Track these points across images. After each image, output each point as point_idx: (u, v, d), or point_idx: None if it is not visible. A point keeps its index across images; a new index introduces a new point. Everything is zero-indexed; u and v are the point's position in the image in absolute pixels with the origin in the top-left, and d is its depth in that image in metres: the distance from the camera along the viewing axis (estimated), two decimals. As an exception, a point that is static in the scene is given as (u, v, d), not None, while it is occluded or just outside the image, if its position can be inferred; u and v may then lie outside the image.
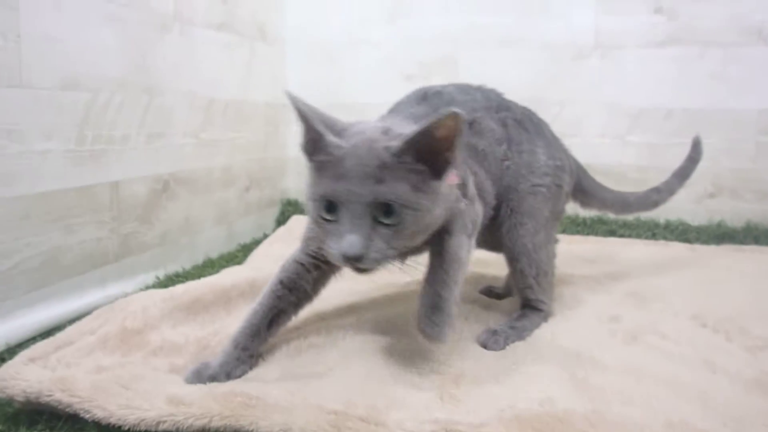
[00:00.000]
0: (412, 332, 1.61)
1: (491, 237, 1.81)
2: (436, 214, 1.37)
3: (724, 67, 2.93)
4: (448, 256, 1.50)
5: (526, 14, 3.13)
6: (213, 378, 1.43)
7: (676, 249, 2.68)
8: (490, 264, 2.24)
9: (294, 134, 2.58)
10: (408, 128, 1.35)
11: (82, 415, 1.26)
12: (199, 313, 1.81)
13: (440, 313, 1.44)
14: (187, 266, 2.52)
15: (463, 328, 1.73)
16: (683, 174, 2.21)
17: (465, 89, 1.83)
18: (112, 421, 1.23)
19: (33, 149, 1.81)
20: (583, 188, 2.05)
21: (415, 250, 1.55)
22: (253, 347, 1.52)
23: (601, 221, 3.07)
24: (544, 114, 1.95)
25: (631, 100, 3.06)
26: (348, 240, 1.26)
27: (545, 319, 1.81)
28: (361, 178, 1.27)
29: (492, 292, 2.08)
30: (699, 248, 2.69)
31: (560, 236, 1.97)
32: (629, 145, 3.08)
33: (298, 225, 1.70)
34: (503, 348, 1.62)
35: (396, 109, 1.74)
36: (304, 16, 3.42)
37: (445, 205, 1.41)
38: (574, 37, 3.08)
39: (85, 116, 1.99)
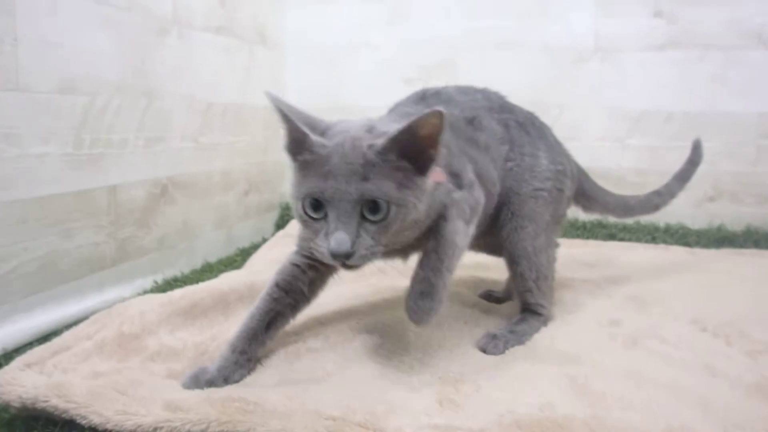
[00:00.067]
0: (411, 337, 1.62)
1: (491, 240, 1.81)
2: (421, 210, 1.38)
3: (724, 70, 2.93)
4: (443, 241, 1.50)
5: (525, 18, 3.14)
6: (211, 383, 1.42)
7: (676, 253, 2.68)
8: (490, 268, 2.24)
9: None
10: (392, 126, 1.36)
11: (78, 421, 1.25)
12: (198, 317, 1.80)
13: (428, 299, 1.45)
14: (186, 271, 2.51)
15: (463, 333, 1.73)
16: (684, 177, 2.21)
17: (466, 90, 1.84)
18: (109, 427, 1.22)
19: (30, 153, 1.81)
20: (585, 192, 2.05)
21: (411, 248, 1.57)
22: (251, 351, 1.52)
23: (600, 225, 3.07)
24: (543, 117, 1.95)
25: (631, 104, 3.06)
26: (336, 237, 1.27)
27: (545, 323, 1.80)
28: (347, 176, 1.29)
29: (491, 297, 2.07)
30: (699, 252, 2.69)
31: (560, 240, 1.97)
32: (629, 149, 3.08)
33: (297, 229, 1.70)
34: (503, 352, 1.62)
35: (394, 109, 1.75)
36: (303, 19, 3.42)
37: (431, 201, 1.42)
38: (574, 40, 3.08)
39: (82, 120, 1.98)
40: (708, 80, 2.95)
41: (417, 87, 1.84)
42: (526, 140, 1.83)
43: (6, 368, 1.41)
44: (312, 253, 1.50)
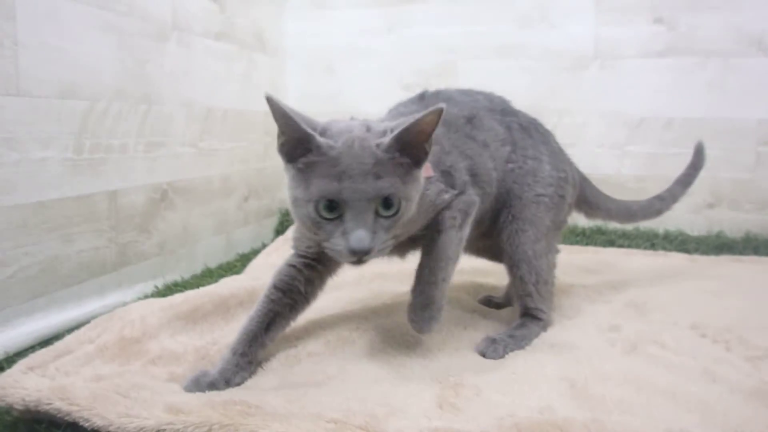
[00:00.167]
0: (411, 341, 1.62)
1: (491, 242, 1.82)
2: (416, 201, 1.42)
3: (723, 77, 2.93)
4: (436, 254, 1.57)
5: (525, 24, 3.14)
6: (212, 385, 1.43)
7: (676, 259, 2.68)
8: (490, 273, 2.24)
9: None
10: (388, 124, 1.40)
11: (81, 424, 1.25)
12: (198, 322, 1.81)
13: (428, 309, 1.54)
14: (186, 276, 2.51)
15: (462, 337, 1.73)
16: (686, 181, 2.21)
17: (467, 92, 1.87)
18: (112, 429, 1.22)
19: (31, 158, 1.81)
20: (587, 199, 2.05)
21: (406, 247, 1.63)
22: (251, 353, 1.53)
23: (600, 231, 3.07)
24: (543, 123, 1.95)
25: (631, 110, 3.06)
26: (356, 235, 1.30)
27: (544, 328, 1.80)
28: (362, 175, 1.31)
29: (491, 302, 2.07)
30: (698, 258, 2.68)
31: (559, 246, 1.97)
32: (628, 155, 3.08)
33: (293, 231, 1.71)
34: (502, 357, 1.62)
35: (394, 109, 1.78)
36: (303, 25, 3.43)
37: (422, 196, 1.46)
38: (573, 46, 3.09)
39: (82, 125, 1.99)
40: (707, 87, 2.95)
41: (416, 93, 1.84)
42: (529, 143, 1.83)
43: (8, 371, 1.41)
44: (309, 252, 1.59)
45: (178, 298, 1.92)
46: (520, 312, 1.82)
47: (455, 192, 1.60)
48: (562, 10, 3.10)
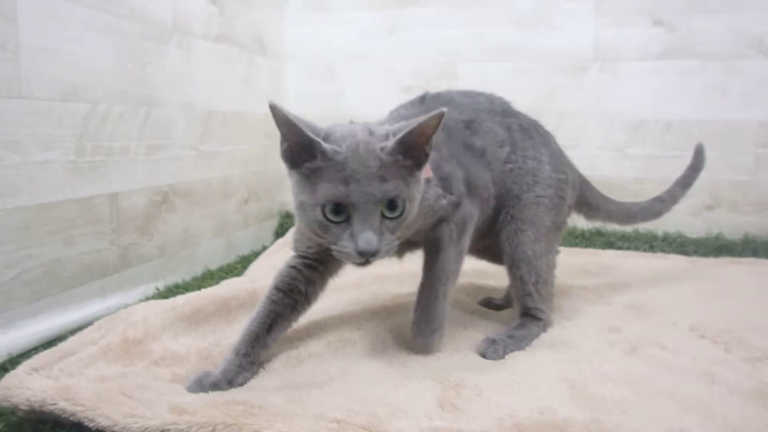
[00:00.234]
0: (411, 342, 1.63)
1: (491, 242, 1.83)
2: (418, 202, 1.45)
3: (723, 79, 2.94)
4: (435, 272, 1.63)
5: (525, 26, 3.15)
6: (215, 385, 1.44)
7: (675, 261, 2.68)
8: (490, 275, 2.25)
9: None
10: (389, 127, 1.43)
11: (86, 424, 1.26)
12: (200, 323, 1.82)
13: (429, 326, 1.60)
14: (187, 278, 2.52)
15: (462, 338, 1.74)
16: (686, 182, 2.22)
17: (468, 93, 1.88)
18: (116, 429, 1.23)
19: (32, 160, 1.82)
20: (588, 201, 2.06)
21: (408, 246, 1.65)
22: (254, 354, 1.54)
23: (599, 233, 3.07)
24: (543, 125, 1.95)
25: (631, 113, 3.07)
26: (364, 237, 1.33)
27: (544, 328, 1.81)
28: (368, 178, 1.33)
29: (491, 304, 2.08)
30: (698, 261, 2.69)
31: (558, 248, 1.98)
32: (628, 158, 3.09)
33: (293, 232, 1.72)
34: (502, 357, 1.63)
35: (395, 112, 1.79)
36: (303, 28, 3.44)
37: (421, 199, 1.48)
38: (573, 49, 3.10)
39: (84, 127, 1.99)
40: (707, 89, 2.96)
41: (416, 95, 1.85)
42: (530, 144, 1.84)
43: (13, 372, 1.41)
44: (309, 252, 1.62)
45: (179, 299, 1.93)
46: (520, 312, 1.83)
47: (453, 198, 1.62)
48: (561, 12, 3.10)
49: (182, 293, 2.10)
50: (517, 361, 1.60)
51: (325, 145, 1.34)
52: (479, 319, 1.91)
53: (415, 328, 1.61)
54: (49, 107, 1.87)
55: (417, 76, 3.29)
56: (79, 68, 1.97)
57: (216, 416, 1.22)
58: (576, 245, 2.98)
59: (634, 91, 3.05)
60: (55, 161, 1.90)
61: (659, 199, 2.20)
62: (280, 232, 3.31)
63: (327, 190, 1.34)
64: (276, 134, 1.38)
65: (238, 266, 2.76)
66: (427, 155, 1.41)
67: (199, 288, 2.18)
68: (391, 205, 1.35)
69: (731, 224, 2.98)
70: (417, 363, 1.56)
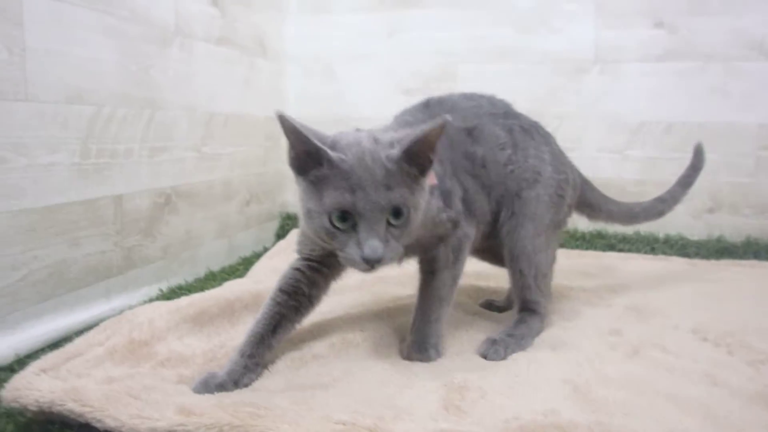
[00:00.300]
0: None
1: (493, 244, 1.85)
2: (423, 209, 1.46)
3: (724, 81, 2.94)
4: (429, 295, 1.69)
5: (526, 28, 3.15)
6: (221, 386, 1.45)
7: (676, 263, 2.69)
8: (491, 277, 2.26)
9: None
10: (394, 135, 1.44)
11: (94, 425, 1.27)
12: (205, 325, 1.82)
13: (424, 344, 1.65)
14: (190, 279, 2.53)
15: (464, 340, 1.75)
16: (686, 182, 2.23)
17: (471, 96, 1.89)
18: (124, 430, 1.24)
19: (38, 162, 1.83)
20: (589, 201, 2.08)
21: (408, 253, 1.64)
22: (258, 355, 1.55)
23: (600, 236, 3.07)
24: (544, 126, 1.96)
25: (631, 114, 3.07)
26: (370, 245, 1.34)
27: (542, 321, 1.83)
28: (375, 187, 1.34)
29: (492, 306, 2.09)
30: (698, 263, 2.69)
31: (559, 251, 1.99)
32: (629, 159, 3.09)
33: (297, 235, 1.73)
34: (504, 358, 1.65)
35: (399, 117, 1.80)
36: (303, 30, 3.44)
37: (425, 207, 1.49)
38: (574, 51, 3.10)
39: (89, 130, 2.00)
40: (708, 91, 2.96)
41: (417, 97, 1.87)
42: (531, 144, 1.86)
43: (22, 373, 1.42)
44: (313, 254, 1.63)
45: (184, 301, 1.93)
46: (519, 307, 1.84)
47: (452, 215, 1.64)
48: (562, 13, 3.10)
49: (185, 294, 2.11)
50: (520, 362, 1.60)
51: (332, 154, 1.35)
52: (481, 320, 1.92)
53: (410, 347, 1.65)
54: (54, 110, 1.88)
55: (417, 78, 3.30)
56: (83, 71, 1.98)
57: (223, 418, 1.23)
58: (577, 247, 2.99)
59: (635, 93, 3.05)
60: (60, 163, 1.90)
61: (660, 200, 2.21)
62: (281, 234, 3.32)
63: (333, 197, 1.35)
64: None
65: (240, 267, 2.77)
66: (431, 161, 1.42)
67: (202, 289, 2.19)
68: (396, 212, 1.36)
69: (732, 226, 2.98)
70: (419, 365, 1.58)
